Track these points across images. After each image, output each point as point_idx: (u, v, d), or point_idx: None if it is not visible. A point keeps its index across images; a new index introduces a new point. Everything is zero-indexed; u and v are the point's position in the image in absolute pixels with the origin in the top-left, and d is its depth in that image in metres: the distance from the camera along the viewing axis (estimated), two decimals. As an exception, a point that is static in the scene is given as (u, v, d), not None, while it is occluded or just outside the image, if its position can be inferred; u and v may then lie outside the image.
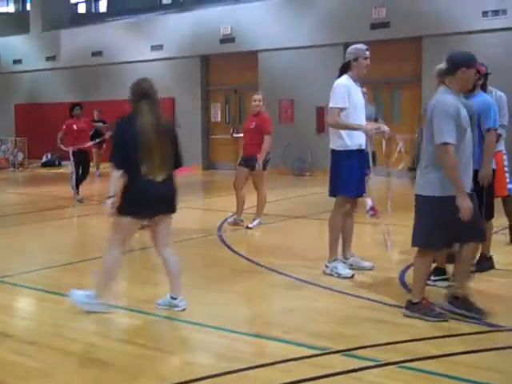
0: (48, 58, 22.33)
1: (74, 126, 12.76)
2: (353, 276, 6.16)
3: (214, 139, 19.30)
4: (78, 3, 29.58)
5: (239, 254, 7.37)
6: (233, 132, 18.17)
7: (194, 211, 11.35)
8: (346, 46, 6.48)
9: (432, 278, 5.70)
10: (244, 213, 9.30)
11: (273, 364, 4.09)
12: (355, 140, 6.14)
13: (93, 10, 29.54)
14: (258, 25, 17.48)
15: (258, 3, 18.05)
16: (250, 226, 8.99)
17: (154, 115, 4.99)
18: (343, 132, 6.11)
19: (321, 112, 15.96)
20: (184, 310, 5.15)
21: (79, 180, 12.51)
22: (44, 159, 21.85)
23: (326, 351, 4.28)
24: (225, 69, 18.66)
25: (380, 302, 5.35)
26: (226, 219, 9.55)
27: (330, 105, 6.15)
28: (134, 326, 5.02)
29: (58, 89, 22.31)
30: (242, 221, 9.21)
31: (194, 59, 18.88)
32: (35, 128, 22.28)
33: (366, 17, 15.97)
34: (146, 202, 4.91)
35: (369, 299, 5.45)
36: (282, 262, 6.82)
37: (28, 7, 28.31)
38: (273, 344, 4.51)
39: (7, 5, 33.07)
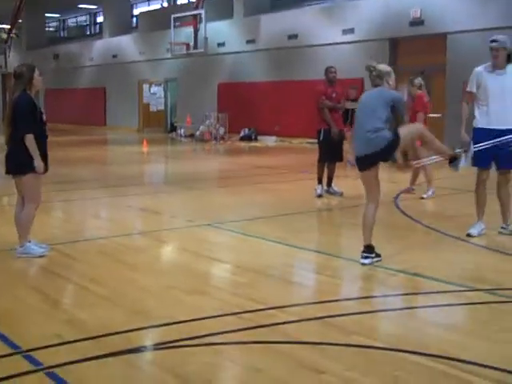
0: (248, 41, 24.26)
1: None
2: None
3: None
4: (276, -12, 31.40)
5: (410, 217, 8.39)
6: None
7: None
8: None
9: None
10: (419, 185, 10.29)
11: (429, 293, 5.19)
12: None
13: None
14: (447, 7, 17.87)
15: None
16: (424, 196, 9.93)
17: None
18: None
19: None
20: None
21: None
22: (242, 133, 23.94)
23: (472, 288, 5.27)
24: (413, 51, 19.30)
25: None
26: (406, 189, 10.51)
27: None
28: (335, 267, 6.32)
29: (256, 69, 24.21)
30: (413, 189, 10.30)
31: (383, 42, 19.70)
32: (235, 105, 24.42)
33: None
34: None
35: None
36: (442, 223, 7.78)
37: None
38: (423, 280, 5.54)
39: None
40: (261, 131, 23.76)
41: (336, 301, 5.00)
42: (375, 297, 5.17)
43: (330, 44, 21.13)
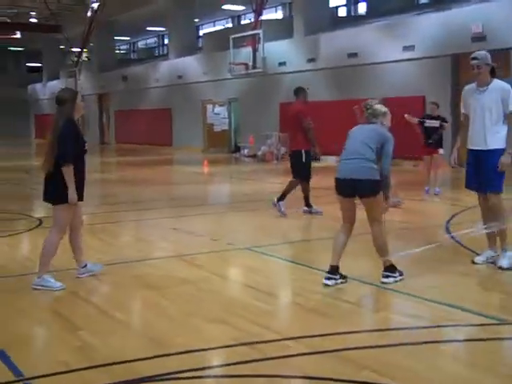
0: (309, 60, 24.21)
1: None
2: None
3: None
4: (338, 7, 31.36)
5: (459, 243, 8.06)
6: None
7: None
8: None
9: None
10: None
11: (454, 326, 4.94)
12: None
13: (352, 13, 31.13)
14: (509, 22, 17.35)
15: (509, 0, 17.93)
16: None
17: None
18: None
19: None
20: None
21: None
22: (303, 154, 23.78)
23: (503, 322, 4.99)
24: (475, 67, 18.76)
25: None
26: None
27: None
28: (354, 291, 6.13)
29: (317, 88, 24.07)
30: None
31: (445, 59, 19.25)
32: (296, 124, 24.31)
33: None
34: None
35: None
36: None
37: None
38: (451, 311, 5.28)
39: (275, 11, 36.12)
40: (323, 151, 23.51)
41: (355, 332, 4.82)
42: (398, 329, 4.94)
43: (391, 62, 20.84)
